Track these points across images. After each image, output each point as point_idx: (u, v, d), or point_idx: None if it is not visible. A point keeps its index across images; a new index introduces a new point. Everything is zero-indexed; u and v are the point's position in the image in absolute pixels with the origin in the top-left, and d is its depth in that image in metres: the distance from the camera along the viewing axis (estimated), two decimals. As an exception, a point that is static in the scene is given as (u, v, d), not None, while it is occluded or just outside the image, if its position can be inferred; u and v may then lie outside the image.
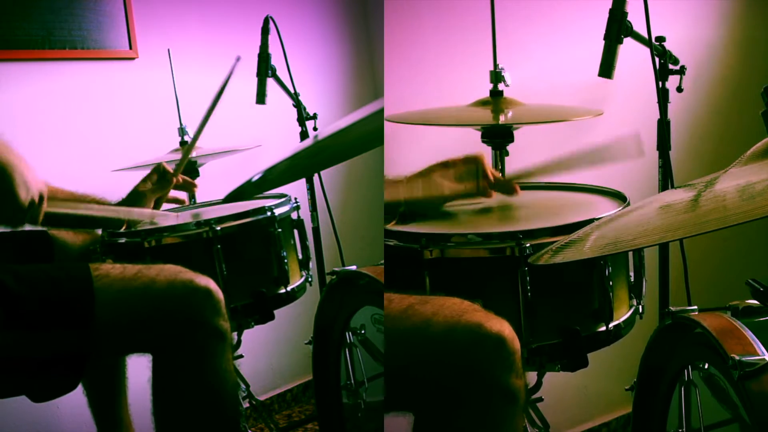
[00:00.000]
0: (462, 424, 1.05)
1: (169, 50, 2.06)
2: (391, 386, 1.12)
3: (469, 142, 1.74)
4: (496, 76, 1.69)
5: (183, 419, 1.28)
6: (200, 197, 2.11)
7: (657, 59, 1.66)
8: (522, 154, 1.68)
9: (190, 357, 1.26)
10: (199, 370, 1.27)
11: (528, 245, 1.26)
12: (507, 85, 1.68)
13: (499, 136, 1.67)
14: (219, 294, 1.29)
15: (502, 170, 1.70)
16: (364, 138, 0.91)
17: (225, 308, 1.30)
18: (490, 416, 1.06)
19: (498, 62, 1.69)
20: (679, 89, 1.70)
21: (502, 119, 1.66)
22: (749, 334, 1.12)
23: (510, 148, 1.68)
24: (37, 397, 1.28)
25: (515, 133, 1.68)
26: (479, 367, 1.05)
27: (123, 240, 1.72)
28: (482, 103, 1.70)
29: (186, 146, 1.98)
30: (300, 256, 1.91)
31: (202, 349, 1.27)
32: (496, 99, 1.69)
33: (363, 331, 1.58)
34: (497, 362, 1.05)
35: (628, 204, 1.41)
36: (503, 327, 1.06)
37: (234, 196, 1.06)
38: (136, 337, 1.27)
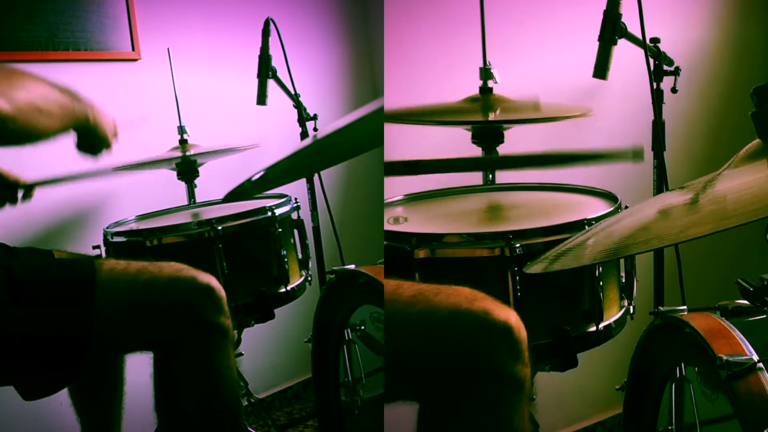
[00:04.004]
0: (468, 411, 1.06)
1: (168, 50, 2.08)
2: (393, 375, 1.11)
3: (468, 140, 1.76)
4: (486, 73, 1.68)
5: (185, 414, 1.30)
6: (200, 197, 2.13)
7: (651, 60, 1.66)
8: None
9: (191, 353, 1.28)
10: (200, 366, 1.28)
11: (518, 245, 1.26)
12: (496, 82, 1.68)
13: (488, 136, 1.67)
14: (221, 291, 1.30)
15: (493, 171, 1.70)
16: (364, 138, 0.92)
17: (227, 306, 1.31)
18: (496, 403, 1.06)
19: (491, 61, 1.69)
20: (674, 90, 1.70)
21: (491, 117, 1.65)
22: (737, 334, 1.13)
23: (501, 149, 1.69)
24: (36, 391, 1.27)
25: (507, 133, 1.68)
26: (485, 354, 1.05)
27: (125, 239, 1.74)
28: (471, 100, 1.69)
29: None
30: (300, 256, 1.92)
31: (203, 345, 1.28)
32: (485, 96, 1.68)
33: (362, 327, 1.59)
34: (503, 350, 1.05)
35: (620, 204, 1.42)
36: (510, 315, 1.06)
37: (234, 195, 1.07)
38: (139, 332, 1.28)
